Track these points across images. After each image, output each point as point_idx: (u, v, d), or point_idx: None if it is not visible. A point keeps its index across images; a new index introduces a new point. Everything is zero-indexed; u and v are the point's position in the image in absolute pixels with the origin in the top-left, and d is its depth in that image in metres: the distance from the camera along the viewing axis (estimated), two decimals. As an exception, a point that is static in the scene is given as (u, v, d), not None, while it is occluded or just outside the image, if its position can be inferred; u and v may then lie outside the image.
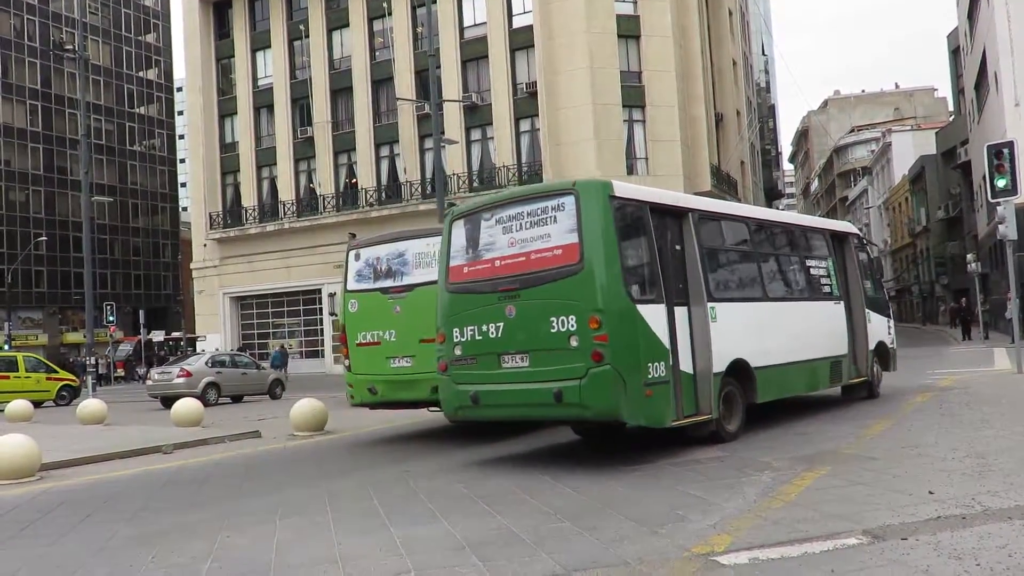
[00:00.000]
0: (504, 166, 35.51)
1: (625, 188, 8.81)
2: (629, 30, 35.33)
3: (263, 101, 42.98)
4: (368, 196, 39.00)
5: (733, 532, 5.47)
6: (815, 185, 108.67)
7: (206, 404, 19.70)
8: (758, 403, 10.06)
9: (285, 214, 41.27)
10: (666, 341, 8.57)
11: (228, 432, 13.95)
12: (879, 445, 8.60)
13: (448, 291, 9.20)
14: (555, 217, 8.47)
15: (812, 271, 12.02)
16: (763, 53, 72.55)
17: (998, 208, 16.91)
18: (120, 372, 48.47)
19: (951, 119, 59.78)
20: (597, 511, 6.42)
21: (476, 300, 8.88)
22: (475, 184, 36.56)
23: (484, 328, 8.69)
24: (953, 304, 47.03)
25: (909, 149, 65.91)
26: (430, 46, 25.18)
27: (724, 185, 40.16)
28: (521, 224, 8.73)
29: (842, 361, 12.14)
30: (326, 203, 40.11)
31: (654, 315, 8.47)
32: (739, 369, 9.55)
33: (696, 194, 36.41)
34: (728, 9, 45.81)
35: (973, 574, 4.28)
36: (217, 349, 38.92)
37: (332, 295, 39.86)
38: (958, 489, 6.23)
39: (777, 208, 76.42)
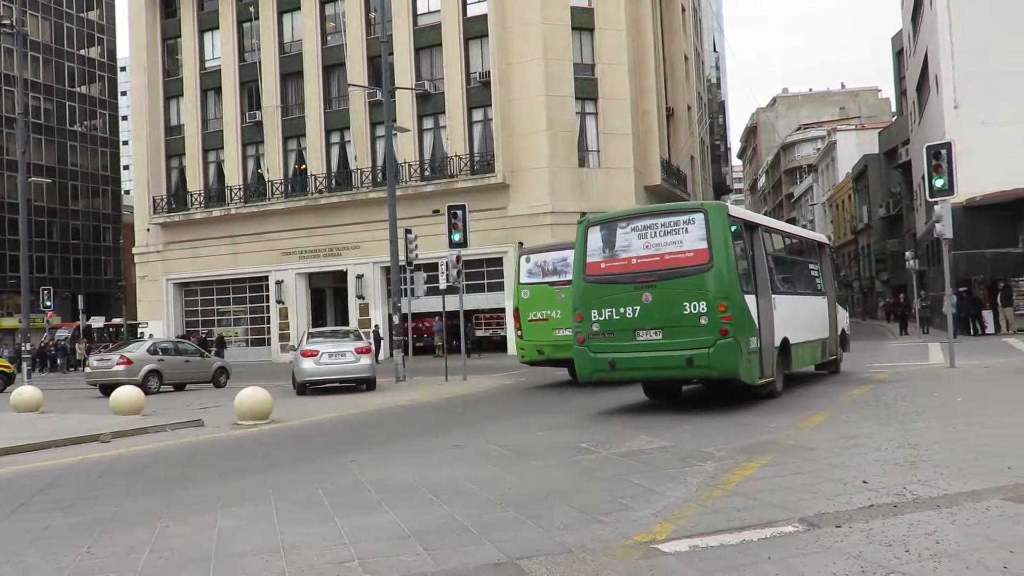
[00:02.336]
0: (456, 155, 35.38)
1: (733, 209, 12.22)
2: (583, 23, 35.44)
3: (210, 83, 42.08)
4: (318, 183, 38.51)
5: (675, 520, 5.57)
6: (763, 181, 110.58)
7: (147, 392, 19.29)
8: (791, 370, 13.25)
9: (232, 199, 40.54)
10: (756, 322, 11.62)
11: (170, 420, 13.69)
12: (817, 436, 8.82)
13: (585, 282, 12.06)
14: (686, 228, 11.39)
15: (813, 272, 15.74)
16: (714, 50, 73.39)
17: (935, 207, 17.42)
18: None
19: (894, 119, 61.33)
20: (543, 500, 6.47)
21: (613, 289, 11.74)
22: (427, 173, 36.36)
23: (621, 310, 11.56)
24: (889, 300, 48.37)
25: (853, 148, 67.47)
26: (383, 32, 24.88)
27: (674, 179, 40.63)
28: (655, 232, 11.59)
29: (827, 342, 15.67)
30: (274, 189, 39.49)
31: (751, 303, 11.52)
32: (784, 345, 12.78)
33: (645, 188, 36.93)
34: (681, 5, 46.24)
35: (902, 560, 4.43)
36: (149, 335, 38.15)
37: (279, 282, 39.37)
38: (891, 478, 6.43)
39: (726, 202, 77.51)
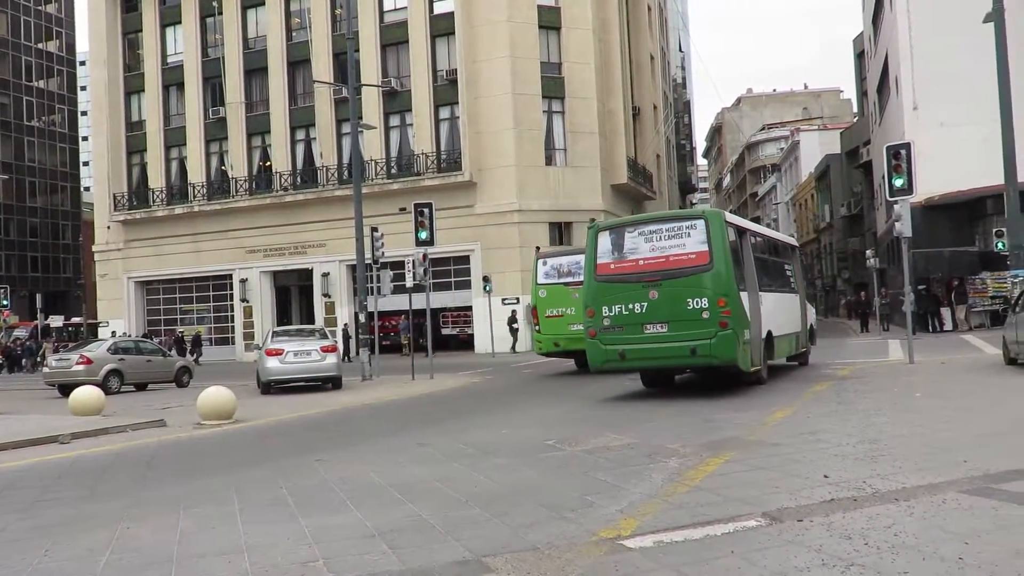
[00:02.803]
0: (423, 153, 35.25)
1: (729, 217, 13.66)
2: (550, 21, 35.50)
3: (173, 79, 41.44)
4: (283, 180, 38.12)
5: (640, 516, 5.61)
6: (727, 180, 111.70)
7: (108, 392, 18.95)
8: (773, 360, 14.80)
9: (195, 196, 39.98)
10: (749, 316, 13.02)
11: (131, 421, 13.47)
12: (780, 432, 8.94)
13: (596, 281, 13.37)
14: (689, 233, 12.77)
15: (788, 272, 17.45)
16: (680, 50, 73.99)
17: (895, 206, 17.72)
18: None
19: (855, 120, 62.32)
20: (509, 498, 6.48)
21: (622, 287, 13.06)
22: (393, 171, 36.17)
23: (630, 306, 12.91)
24: (850, 297, 49.15)
25: (815, 148, 68.41)
26: (348, 29, 24.69)
27: (640, 178, 40.87)
28: (660, 236, 12.97)
29: (800, 336, 17.34)
30: (238, 186, 39.02)
31: (744, 299, 12.96)
32: (769, 337, 14.28)
33: (612, 186, 37.12)
34: (647, 5, 46.52)
35: (862, 552, 4.51)
36: (127, 335, 37.53)
37: (244, 281, 38.92)
38: (851, 473, 6.54)
39: (691, 202, 78.32)
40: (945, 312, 29.22)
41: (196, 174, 40.18)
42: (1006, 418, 9.33)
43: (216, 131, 40.11)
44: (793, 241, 20.08)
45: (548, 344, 20.18)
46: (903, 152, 17.29)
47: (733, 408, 11.33)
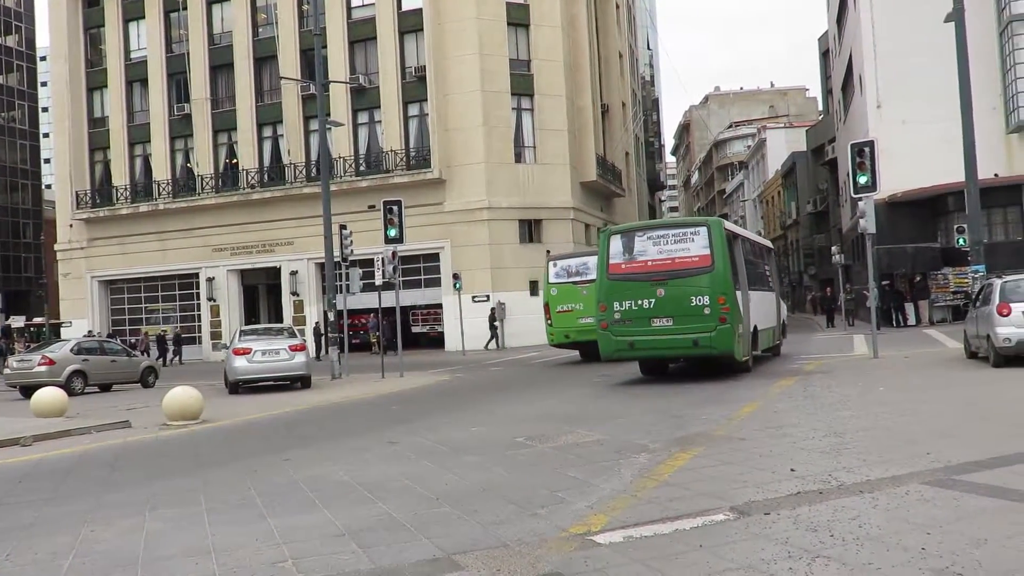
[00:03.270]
0: (392, 150, 35.07)
1: (727, 225, 15.26)
2: (519, 18, 35.47)
3: (136, 74, 40.77)
4: (250, 177, 37.72)
5: (609, 512, 5.63)
6: (696, 178, 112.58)
7: (71, 393, 18.64)
8: (756, 351, 16.35)
9: (160, 194, 39.41)
10: (743, 312, 14.70)
11: (95, 422, 13.25)
12: (747, 426, 9.04)
13: (608, 279, 14.85)
14: (692, 238, 14.38)
15: (767, 273, 19.25)
16: (648, 47, 74.39)
17: (860, 203, 17.98)
18: None
19: (820, 118, 63.11)
20: (479, 495, 6.48)
21: (632, 285, 14.52)
22: (362, 168, 35.94)
23: (639, 302, 14.37)
24: (816, 293, 49.82)
25: (782, 145, 69.21)
26: (316, 25, 24.48)
27: (609, 175, 41.04)
28: (667, 240, 14.55)
29: (775, 329, 19.18)
30: (205, 184, 38.53)
31: (739, 297, 14.60)
32: (754, 331, 15.96)
33: (581, 184, 37.24)
34: (615, 2, 46.68)
35: (827, 544, 4.57)
36: (95, 333, 36.90)
37: (211, 280, 38.48)
38: (817, 466, 6.63)
39: (660, 199, 78.85)
40: (908, 307, 29.71)
41: (161, 171, 39.61)
42: (967, 410, 9.51)
43: (181, 128, 39.56)
44: (770, 244, 22.50)
45: (560, 336, 22.14)
46: (867, 150, 17.55)
47: (702, 403, 11.44)
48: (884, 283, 28.27)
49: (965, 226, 23.39)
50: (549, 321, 22.22)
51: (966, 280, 24.07)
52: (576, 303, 21.37)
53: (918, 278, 29.60)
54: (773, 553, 4.48)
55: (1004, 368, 13.20)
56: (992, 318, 13.44)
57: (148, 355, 36.86)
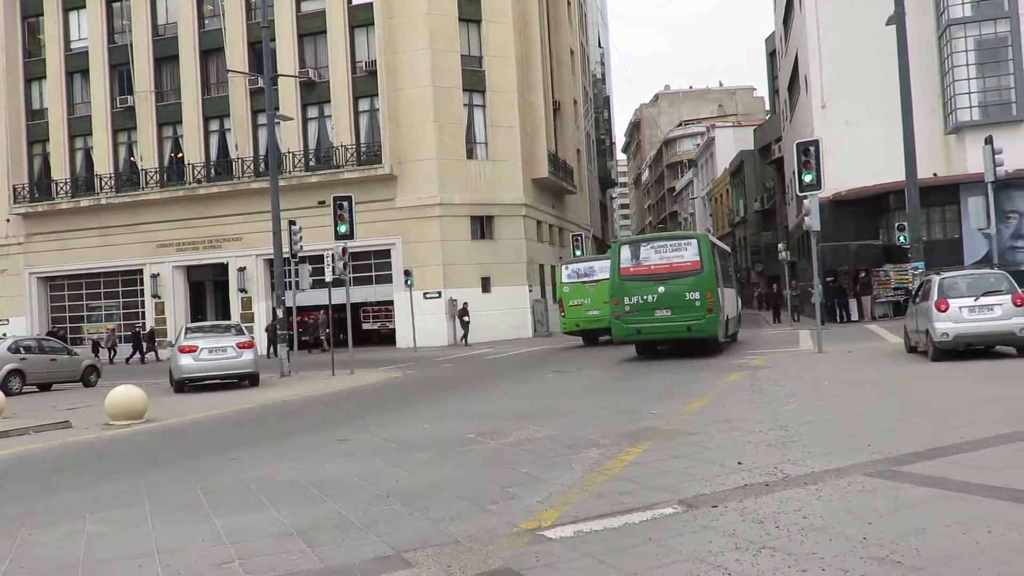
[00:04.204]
0: (342, 146, 34.68)
1: (711, 238, 20.04)
2: (470, 14, 35.37)
3: (77, 65, 39.61)
4: (196, 172, 36.97)
5: (560, 507, 5.66)
6: (646, 175, 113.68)
7: (8, 393, 18.04)
8: (729, 336, 20.93)
9: (102, 189, 38.37)
10: (722, 304, 18.67)
11: (33, 423, 12.88)
12: (697, 420, 9.16)
13: (620, 279, 18.70)
14: (686, 248, 18.35)
15: (730, 272, 22.83)
16: (599, 45, 74.76)
17: (805, 201, 18.35)
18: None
19: (767, 117, 64.20)
20: (430, 492, 6.45)
21: (639, 284, 18.38)
22: (312, 163, 35.50)
23: (645, 297, 18.21)
24: (763, 290, 50.75)
25: (730, 144, 70.30)
26: (264, 17, 24.07)
27: (561, 172, 41.19)
28: (666, 249, 18.50)
29: (736, 318, 23.11)
30: (149, 178, 37.65)
31: (720, 292, 18.60)
32: (727, 319, 19.96)
33: (533, 181, 37.34)
34: (567, 0, 46.86)
35: (773, 535, 4.66)
36: (33, 332, 35.82)
37: (155, 276, 37.66)
38: (763, 459, 6.75)
39: (611, 196, 79.44)
40: (852, 303, 30.42)
41: (103, 165, 38.58)
42: (907, 403, 9.79)
43: (124, 120, 38.58)
44: (729, 249, 27.43)
45: (571, 324, 26.56)
46: (812, 149, 17.92)
47: (653, 398, 11.56)
48: (828, 279, 28.90)
49: (905, 224, 24.02)
50: (562, 313, 26.83)
51: (907, 277, 24.72)
52: (585, 299, 25.78)
53: (861, 274, 30.31)
54: (721, 545, 4.55)
55: (942, 362, 13.60)
56: (931, 314, 13.84)
57: (115, 352, 36.04)
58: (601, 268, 24.46)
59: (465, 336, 32.26)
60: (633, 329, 18.58)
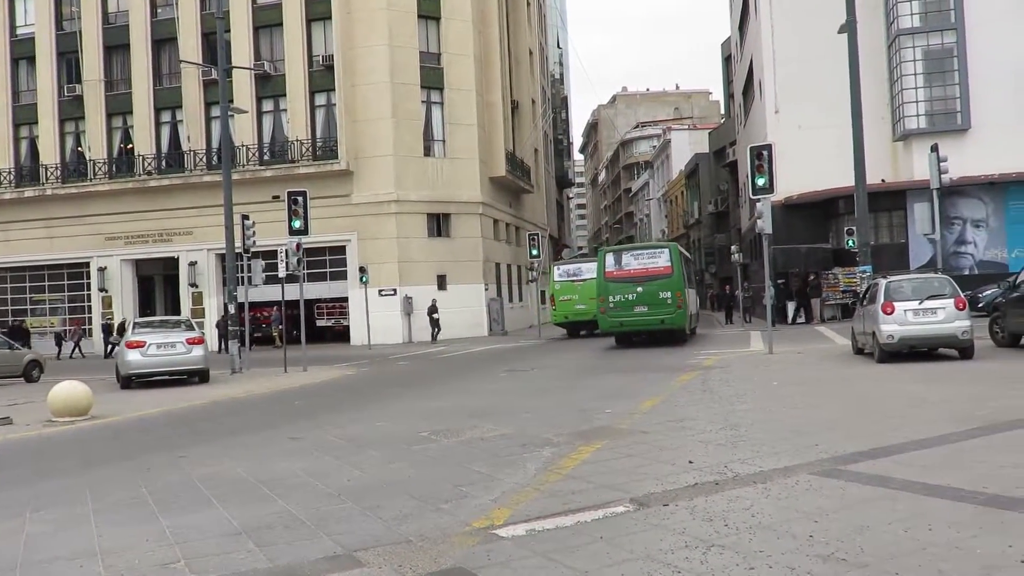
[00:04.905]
0: (298, 140, 34.25)
1: (680, 248, 23.60)
2: (430, 11, 35.19)
3: (22, 52, 38.45)
4: (146, 164, 36.19)
5: (513, 506, 5.66)
6: (603, 176, 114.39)
7: (-54, 388, 17.48)
8: (691, 328, 24.87)
9: (48, 179, 37.36)
10: (688, 301, 22.64)
11: (-28, 419, 12.48)
12: (649, 420, 9.24)
13: (605, 280, 22.39)
14: (660, 255, 22.39)
15: (691, 274, 26.60)
16: (558, 46, 75.02)
17: (758, 204, 18.62)
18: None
19: (722, 121, 65.09)
20: (381, 491, 6.41)
21: (621, 284, 21.92)
22: (266, 157, 34.99)
23: (626, 295, 21.75)
24: (715, 291, 51.44)
25: (686, 147, 71.09)
26: (218, 8, 23.64)
27: (518, 171, 41.24)
28: (643, 256, 22.58)
29: (695, 315, 27.13)
30: (97, 169, 36.75)
31: (687, 292, 22.55)
32: (691, 314, 24.08)
33: (491, 179, 37.32)
34: (527, 0, 46.91)
35: (722, 533, 4.72)
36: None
37: (102, 269, 36.79)
38: (714, 458, 6.84)
39: (568, 196, 79.78)
40: (791, 305, 30.95)
41: (49, 155, 37.55)
42: (853, 404, 9.99)
43: (72, 110, 37.60)
44: (690, 256, 31.73)
45: (560, 317, 30.21)
46: (765, 153, 18.19)
47: (607, 397, 11.63)
48: (779, 282, 29.40)
49: (854, 228, 24.54)
50: (553, 307, 30.55)
51: (855, 280, 25.26)
52: (573, 295, 29.41)
53: (811, 277, 30.89)
54: (671, 543, 4.59)
55: (887, 364, 13.92)
56: (877, 316, 14.16)
57: (80, 347, 34.92)
58: (588, 269, 28.36)
59: (435, 333, 31.96)
60: (616, 322, 22.25)
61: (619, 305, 21.97)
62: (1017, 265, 24.19)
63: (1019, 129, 29.35)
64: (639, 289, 21.86)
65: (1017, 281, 15.55)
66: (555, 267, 31.66)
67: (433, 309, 32.12)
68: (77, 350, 34.97)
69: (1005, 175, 29.08)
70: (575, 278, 29.60)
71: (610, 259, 22.93)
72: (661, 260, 22.27)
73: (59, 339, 34.93)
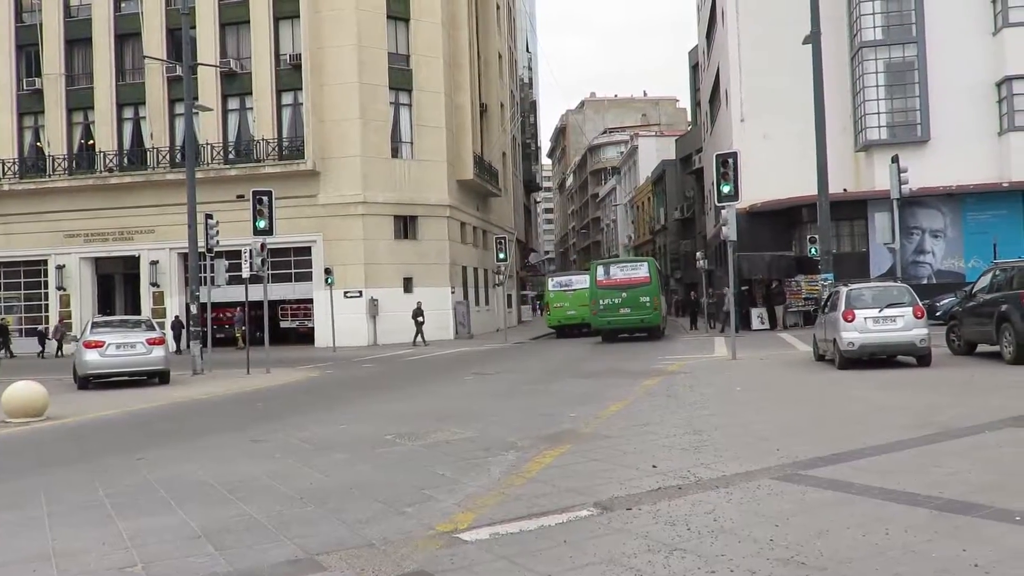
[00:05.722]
0: (264, 139, 33.90)
1: (655, 262, 30.92)
2: (399, 12, 35.06)
3: (-20, 44, 37.59)
4: (108, 160, 35.56)
5: (476, 509, 5.65)
6: (571, 181, 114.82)
7: None
8: (663, 328, 29.68)
9: (5, 174, 36.54)
10: (662, 306, 29.62)
11: (-78, 419, 12.15)
12: (614, 424, 9.28)
13: (597, 287, 27.81)
14: (640, 268, 28.65)
15: (663, 283, 31.48)
16: (527, 50, 75.21)
17: (723, 212, 18.82)
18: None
19: (689, 128, 65.72)
20: (345, 494, 6.36)
21: (609, 291, 27.40)
22: (231, 156, 34.57)
23: (613, 300, 27.23)
24: (679, 298, 51.89)
25: (653, 153, 71.63)
26: (184, 3, 23.35)
27: (486, 175, 41.22)
28: (627, 268, 28.93)
29: (665, 317, 31.51)
30: (56, 165, 36.04)
31: (661, 297, 29.02)
32: (664, 316, 30.80)
33: (458, 182, 37.28)
34: (496, 3, 46.94)
35: (684, 537, 4.75)
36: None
37: (61, 267, 36.09)
38: (677, 462, 6.89)
39: (536, 201, 79.93)
40: (765, 312, 31.34)
41: (6, 150, 36.70)
42: (814, 410, 10.13)
43: (31, 104, 36.81)
44: (661, 268, 37.42)
45: (555, 320, 34.42)
46: (730, 161, 18.40)
47: (572, 402, 11.67)
48: (743, 288, 29.75)
49: (817, 236, 24.91)
50: (548, 312, 35.30)
51: (817, 287, 25.63)
52: (565, 302, 33.80)
53: (774, 284, 31.28)
54: (634, 547, 4.61)
55: (848, 370, 14.14)
56: (838, 323, 14.38)
57: (62, 348, 34.07)
58: (578, 281, 33.66)
59: (421, 336, 31.42)
60: (605, 321, 27.64)
61: (608, 308, 27.36)
62: (974, 275, 24.73)
63: (976, 142, 30.05)
64: (624, 295, 27.17)
65: (973, 290, 15.90)
66: (550, 279, 37.40)
67: (418, 312, 31.66)
68: (61, 351, 34.19)
69: (963, 186, 29.74)
70: (567, 288, 34.36)
71: (601, 270, 28.79)
72: (641, 271, 28.13)
73: (42, 337, 34.39)
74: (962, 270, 30.09)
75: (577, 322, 32.44)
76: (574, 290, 33.37)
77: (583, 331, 32.23)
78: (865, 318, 14.14)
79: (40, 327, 35.81)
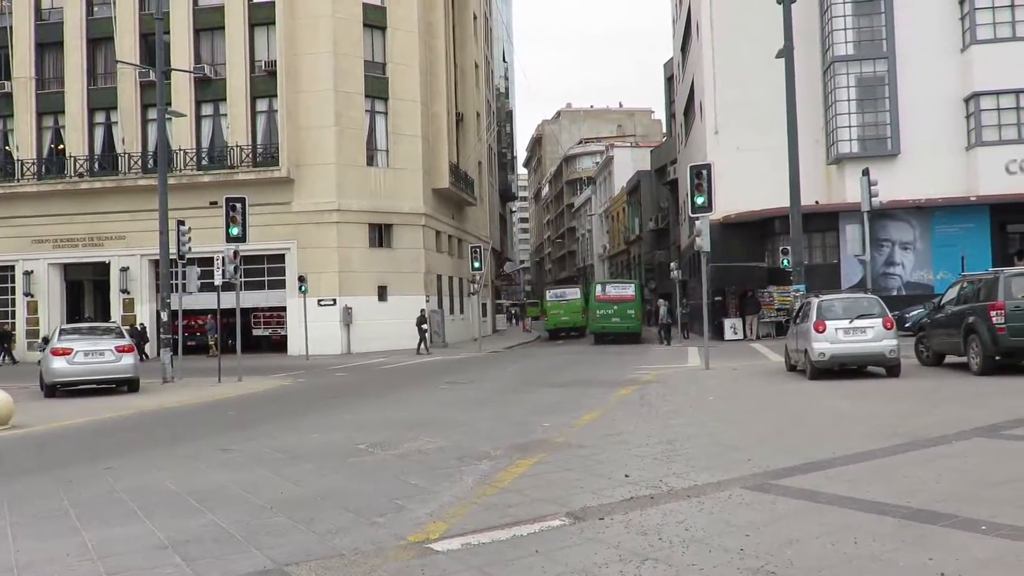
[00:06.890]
0: (238, 145, 33.65)
1: (640, 283, 44.83)
2: (375, 20, 35.02)
3: (-51, 46, 37.02)
4: (78, 165, 35.11)
5: (449, 519, 5.62)
6: (546, 190, 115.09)
7: None
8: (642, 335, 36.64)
9: (-28, 178, 35.94)
10: (643, 316, 40.23)
11: None
12: (587, 434, 9.29)
13: (595, 301, 36.24)
14: (628, 288, 37.39)
15: (643, 299, 43.15)
16: (504, 60, 75.41)
17: (696, 222, 18.96)
18: None
19: (664, 139, 66.15)
20: (316, 504, 6.30)
21: (604, 304, 35.80)
22: (204, 162, 34.28)
23: (607, 311, 35.54)
24: (652, 307, 52.17)
25: (628, 164, 72.02)
26: (158, 8, 23.15)
27: (462, 184, 41.23)
28: (619, 287, 37.82)
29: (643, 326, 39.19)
30: (25, 169, 35.51)
31: (642, 310, 39.94)
32: (644, 326, 39.50)
33: (434, 190, 37.24)
34: (473, 12, 47.05)
35: (656, 547, 4.76)
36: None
37: (29, 273, 35.54)
38: (649, 472, 6.91)
39: (511, 209, 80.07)
40: (738, 322, 31.59)
41: (-26, 153, 36.15)
42: (785, 419, 10.21)
43: (0, 107, 36.31)
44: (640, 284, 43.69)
45: (551, 324, 41.81)
46: (704, 172, 18.55)
47: (545, 411, 11.66)
48: (716, 299, 29.94)
49: (789, 248, 25.16)
50: (546, 318, 43.59)
51: (788, 298, 25.86)
52: (560, 310, 41.45)
53: (749, 294, 31.53)
54: (605, 557, 4.61)
55: (819, 380, 14.28)
56: (809, 334, 14.52)
57: (10, 353, 33.45)
58: (571, 293, 43.17)
59: (425, 344, 31.11)
60: (600, 327, 35.08)
61: (602, 316, 35.09)
62: (942, 286, 25.09)
63: (945, 156, 30.52)
64: (615, 307, 34.94)
65: (942, 302, 16.13)
66: (547, 291, 47.82)
67: (422, 320, 31.34)
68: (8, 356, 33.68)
69: (932, 200, 30.17)
70: (561, 299, 42.52)
71: (599, 288, 36.83)
72: (629, 291, 36.20)
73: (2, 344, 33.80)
74: (931, 282, 30.50)
75: (570, 326, 41.21)
76: (567, 300, 42.08)
77: (572, 333, 41.36)
78: (836, 329, 14.30)
79: None
